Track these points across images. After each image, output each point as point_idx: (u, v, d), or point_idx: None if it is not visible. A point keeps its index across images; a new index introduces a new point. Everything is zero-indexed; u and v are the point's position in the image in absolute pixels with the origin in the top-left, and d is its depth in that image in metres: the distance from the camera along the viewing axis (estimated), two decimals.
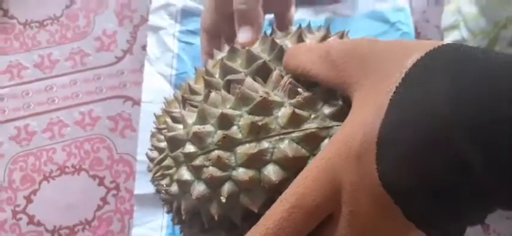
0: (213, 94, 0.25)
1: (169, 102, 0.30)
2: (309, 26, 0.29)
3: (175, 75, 0.45)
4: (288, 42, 0.26)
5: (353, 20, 0.48)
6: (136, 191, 0.42)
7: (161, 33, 0.46)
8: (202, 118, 0.24)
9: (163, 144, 0.27)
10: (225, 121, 0.23)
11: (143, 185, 0.42)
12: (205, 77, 0.26)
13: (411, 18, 0.48)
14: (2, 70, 0.46)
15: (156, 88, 0.45)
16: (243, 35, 0.30)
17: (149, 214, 0.42)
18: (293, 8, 0.37)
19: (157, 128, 0.29)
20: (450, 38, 0.49)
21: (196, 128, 0.23)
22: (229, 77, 0.25)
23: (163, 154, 0.26)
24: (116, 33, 0.48)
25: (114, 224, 0.43)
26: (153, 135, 0.30)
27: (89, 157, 0.44)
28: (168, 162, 0.26)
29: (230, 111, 0.23)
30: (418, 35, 0.51)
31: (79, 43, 0.47)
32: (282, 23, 0.37)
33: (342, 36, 0.27)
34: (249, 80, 0.24)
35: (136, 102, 0.46)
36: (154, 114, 0.31)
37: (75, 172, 0.44)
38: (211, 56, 0.32)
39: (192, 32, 0.46)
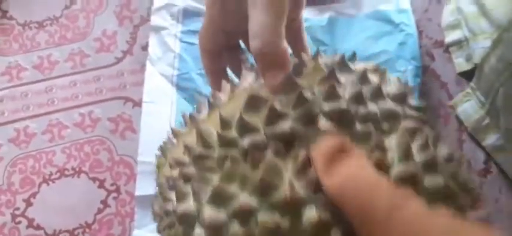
0: (228, 165, 0.21)
1: (172, 144, 0.26)
2: (317, 52, 0.26)
3: (177, 76, 0.44)
4: (322, 104, 0.22)
5: (356, 19, 0.47)
6: (137, 193, 0.41)
7: (163, 33, 0.45)
8: (216, 202, 0.21)
9: (171, 207, 0.24)
10: (244, 215, 0.20)
11: (144, 187, 0.41)
12: (221, 133, 0.23)
13: (413, 19, 0.48)
14: (1, 71, 0.46)
15: (157, 89, 0.44)
16: (270, 81, 0.24)
17: (150, 216, 0.41)
18: (303, 11, 0.33)
19: (164, 183, 0.25)
20: (451, 37, 0.49)
21: (210, 216, 0.21)
22: (248, 146, 0.22)
23: (172, 220, 0.24)
24: (116, 34, 0.47)
25: (115, 228, 0.42)
26: (160, 187, 0.26)
27: (89, 159, 0.44)
28: (176, 231, 0.23)
29: (249, 202, 0.20)
30: (420, 34, 0.50)
31: (79, 44, 0.47)
32: (292, 28, 0.32)
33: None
34: (270, 157, 0.21)
35: (137, 103, 0.45)
36: (156, 154, 0.28)
37: (75, 174, 0.43)
38: (217, 75, 0.30)
39: (194, 32, 0.45)
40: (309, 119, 0.22)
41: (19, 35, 0.47)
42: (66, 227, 0.42)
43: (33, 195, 0.43)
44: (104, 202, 0.43)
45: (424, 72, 0.48)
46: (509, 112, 0.40)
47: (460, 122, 0.46)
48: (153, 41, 0.45)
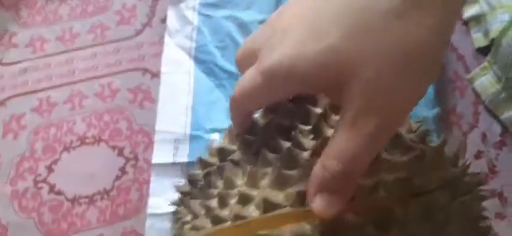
0: None
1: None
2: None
3: (195, 48, 0.45)
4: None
5: None
6: (154, 161, 0.42)
7: (181, 5, 0.46)
8: None
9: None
10: None
11: (161, 155, 0.42)
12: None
13: None
14: (25, 43, 0.47)
15: (175, 61, 0.45)
16: (322, 205, 0.19)
17: (166, 184, 0.42)
18: None
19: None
20: (470, 12, 0.49)
21: None
22: None
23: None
24: (136, 7, 0.48)
25: (132, 194, 0.43)
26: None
27: (109, 128, 0.45)
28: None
29: None
30: None
31: (99, 17, 0.48)
32: None
33: None
34: None
35: (155, 75, 0.46)
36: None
37: (95, 142, 0.44)
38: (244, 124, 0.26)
39: (212, 5, 0.46)
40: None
41: (42, 8, 0.48)
42: (86, 193, 0.43)
43: (55, 162, 0.44)
44: (122, 170, 0.44)
45: None
46: None
47: (477, 95, 0.46)
48: (171, 13, 0.46)
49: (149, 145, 0.44)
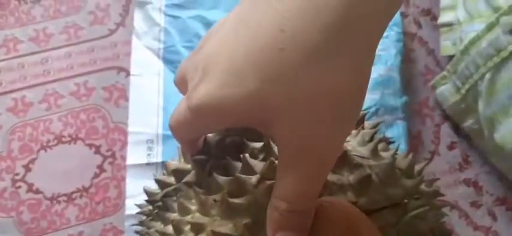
0: None
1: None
2: None
3: (163, 49, 0.45)
4: None
5: None
6: (128, 162, 0.43)
7: (148, 7, 0.46)
8: None
9: None
10: None
11: (135, 156, 0.43)
12: None
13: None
14: None
15: (144, 62, 0.45)
16: None
17: (141, 185, 0.43)
18: None
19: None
20: (445, 18, 0.48)
21: None
22: None
23: None
24: (109, 7, 0.48)
25: (111, 191, 0.44)
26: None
27: (85, 126, 0.45)
28: None
29: None
30: (407, 2, 0.51)
31: (73, 17, 0.48)
32: None
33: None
34: None
35: (129, 73, 0.46)
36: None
37: (71, 141, 0.45)
38: (194, 147, 0.26)
39: (179, 6, 0.45)
40: None
41: (15, 9, 0.48)
42: (65, 191, 0.44)
43: (32, 161, 0.44)
44: (100, 167, 0.44)
45: (412, 39, 0.49)
46: (492, 100, 0.39)
47: (438, 103, 0.46)
48: (138, 15, 0.46)
49: (126, 143, 0.44)
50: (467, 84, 0.41)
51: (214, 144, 0.26)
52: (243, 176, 0.23)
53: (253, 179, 0.22)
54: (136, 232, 0.30)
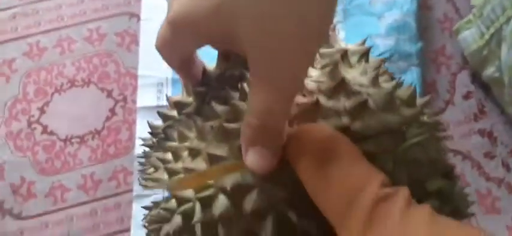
0: None
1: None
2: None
3: None
4: None
5: None
6: (138, 104, 0.43)
7: None
8: None
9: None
10: None
11: (145, 98, 0.43)
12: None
13: None
14: None
15: (155, 6, 0.45)
16: (254, 160, 0.20)
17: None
18: None
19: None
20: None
21: None
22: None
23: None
24: None
25: (122, 133, 0.44)
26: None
27: (97, 71, 0.46)
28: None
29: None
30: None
31: None
32: None
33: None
34: None
35: (140, 18, 0.46)
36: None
37: (84, 85, 0.45)
38: (190, 76, 0.26)
39: None
40: None
41: None
42: (77, 133, 0.44)
43: (47, 104, 0.45)
44: (112, 111, 0.45)
45: None
46: None
47: (459, 50, 0.45)
48: None
49: (137, 87, 0.45)
50: (492, 28, 0.40)
51: (215, 77, 0.26)
52: (238, 102, 0.23)
53: None
54: (140, 163, 0.31)
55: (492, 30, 0.40)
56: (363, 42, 0.26)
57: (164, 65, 0.43)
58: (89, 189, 0.43)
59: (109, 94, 0.45)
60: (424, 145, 0.24)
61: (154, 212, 0.26)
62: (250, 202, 0.21)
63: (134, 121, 0.44)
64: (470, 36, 0.43)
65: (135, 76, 0.45)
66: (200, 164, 0.23)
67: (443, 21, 0.46)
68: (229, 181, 0.21)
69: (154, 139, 0.29)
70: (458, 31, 0.44)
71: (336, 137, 0.19)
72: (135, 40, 0.46)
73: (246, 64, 0.25)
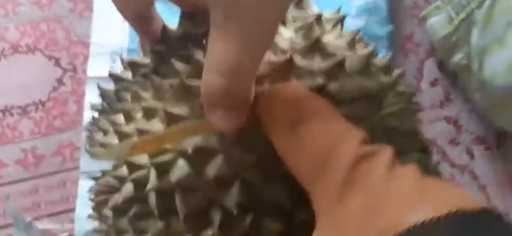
0: None
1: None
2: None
3: None
4: None
5: None
6: (89, 74, 0.39)
7: None
8: None
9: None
10: None
11: (97, 68, 0.39)
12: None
13: None
14: None
15: None
16: (219, 120, 0.17)
17: None
18: None
19: None
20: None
21: None
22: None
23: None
24: None
25: (70, 105, 0.40)
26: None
27: (45, 37, 0.42)
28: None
29: None
30: None
31: None
32: None
33: None
34: None
35: None
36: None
37: (29, 51, 0.41)
38: (148, 34, 0.24)
39: None
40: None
41: None
42: (19, 103, 0.40)
43: None
44: (59, 81, 0.41)
45: None
46: (488, 29, 0.37)
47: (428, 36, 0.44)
48: None
49: (88, 57, 0.41)
50: (463, 13, 0.39)
51: (176, 36, 0.23)
52: (203, 59, 0.20)
53: None
54: (88, 130, 0.27)
55: (463, 15, 0.39)
56: (338, 11, 0.25)
57: (119, 34, 0.40)
58: (29, 165, 0.39)
59: (57, 62, 0.41)
60: (401, 116, 0.22)
61: (101, 180, 0.23)
62: (213, 167, 0.18)
63: (84, 93, 0.40)
64: (438, 23, 0.42)
65: (87, 45, 0.41)
66: (156, 125, 0.20)
67: (413, 7, 0.46)
68: (190, 143, 0.18)
69: (104, 104, 0.26)
70: (426, 17, 0.43)
71: (311, 95, 0.17)
72: (89, 6, 0.42)
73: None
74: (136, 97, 0.22)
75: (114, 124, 0.22)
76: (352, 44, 0.23)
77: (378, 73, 0.23)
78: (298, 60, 0.20)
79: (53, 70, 0.41)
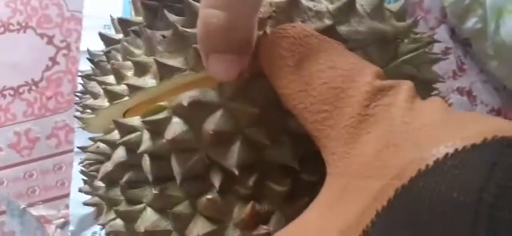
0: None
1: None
2: None
3: None
4: None
5: None
6: (82, 48, 0.37)
7: None
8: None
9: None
10: None
11: (90, 42, 0.37)
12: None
13: None
14: None
15: None
16: (218, 67, 0.15)
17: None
18: None
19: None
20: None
21: None
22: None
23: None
24: None
25: (64, 85, 0.38)
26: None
27: (37, 14, 0.40)
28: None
29: None
30: None
31: None
32: None
33: None
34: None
35: None
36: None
37: (20, 29, 0.39)
38: None
39: None
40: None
41: None
42: (11, 84, 0.38)
43: None
44: (53, 59, 0.39)
45: None
46: None
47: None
48: None
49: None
50: None
51: None
52: (196, 4, 0.18)
53: None
54: (76, 95, 0.25)
55: None
56: None
57: (113, 4, 0.38)
58: (23, 148, 0.37)
59: (50, 40, 0.39)
60: (417, 63, 0.20)
61: (91, 148, 0.21)
62: (211, 124, 0.16)
63: (78, 71, 0.38)
64: None
65: (80, 21, 0.39)
66: (149, 81, 0.18)
67: None
68: (185, 97, 0.16)
69: (95, 68, 0.24)
70: None
71: (318, 35, 0.15)
72: None
73: None
74: (127, 54, 0.20)
75: (104, 85, 0.20)
76: None
77: (391, 18, 0.21)
78: (305, 1, 0.18)
79: (46, 48, 0.39)
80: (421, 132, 0.12)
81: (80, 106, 0.23)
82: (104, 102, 0.20)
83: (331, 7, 0.18)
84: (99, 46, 0.37)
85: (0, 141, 0.37)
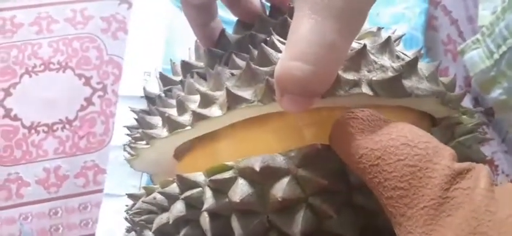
0: None
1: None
2: None
3: None
4: None
5: None
6: (120, 92, 0.37)
7: None
8: None
9: None
10: None
11: (128, 87, 0.38)
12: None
13: None
14: None
15: None
16: (290, 105, 0.15)
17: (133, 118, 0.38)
18: None
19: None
20: None
21: None
22: None
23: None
24: None
25: (98, 126, 0.38)
26: None
27: (77, 55, 0.40)
28: None
29: None
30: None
31: None
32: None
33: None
34: None
35: (132, 5, 0.42)
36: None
37: (60, 69, 0.40)
38: (205, 28, 0.22)
39: None
40: None
41: None
42: (46, 120, 0.38)
43: (14, 86, 0.39)
44: (88, 100, 0.39)
45: (435, 7, 0.45)
46: None
47: (466, 69, 0.42)
48: None
49: (119, 78, 0.39)
50: (504, 46, 0.37)
51: (234, 41, 0.21)
52: (269, 49, 0.18)
53: (280, 55, 0.18)
54: (128, 128, 0.25)
55: (504, 48, 0.37)
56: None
57: (154, 53, 0.39)
58: (50, 185, 0.37)
59: (87, 81, 0.40)
60: (469, 145, 0.20)
61: (146, 198, 0.20)
62: (280, 190, 0.16)
63: (112, 114, 0.38)
64: (477, 56, 0.40)
65: (119, 65, 0.40)
66: (215, 111, 0.17)
67: (447, 43, 0.44)
68: (257, 162, 0.16)
69: (149, 105, 0.23)
70: (464, 51, 0.42)
71: (385, 119, 0.15)
72: (123, 27, 0.41)
73: (273, 27, 0.21)
74: (192, 90, 0.19)
75: (164, 117, 0.19)
76: (392, 52, 0.21)
77: (443, 86, 0.21)
78: (342, 73, 0.18)
79: (82, 89, 0.39)
80: (507, 222, 0.12)
81: (131, 137, 0.23)
82: (162, 132, 0.19)
83: (394, 64, 0.19)
84: (137, 91, 0.37)
85: (28, 176, 0.37)
